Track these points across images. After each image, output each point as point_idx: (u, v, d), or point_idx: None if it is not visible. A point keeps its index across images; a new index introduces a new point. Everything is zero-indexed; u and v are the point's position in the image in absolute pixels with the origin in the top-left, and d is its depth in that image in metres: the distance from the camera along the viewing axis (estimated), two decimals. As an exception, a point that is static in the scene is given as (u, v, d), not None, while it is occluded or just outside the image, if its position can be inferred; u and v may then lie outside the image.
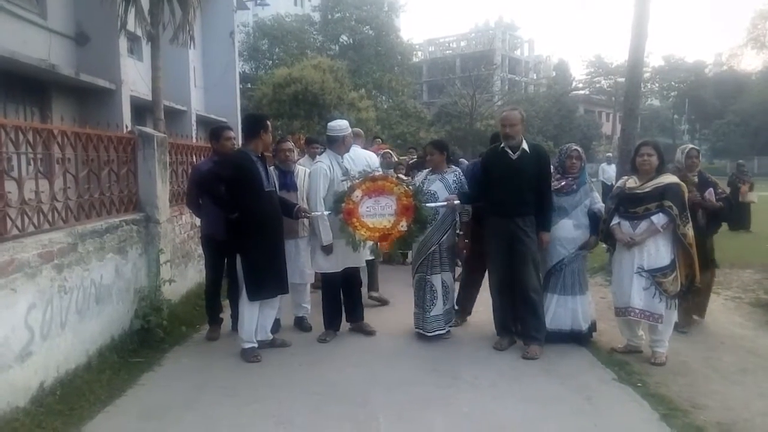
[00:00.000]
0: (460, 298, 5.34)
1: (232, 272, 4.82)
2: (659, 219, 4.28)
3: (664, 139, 43.47)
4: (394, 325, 5.29)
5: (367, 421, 3.43)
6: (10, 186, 3.53)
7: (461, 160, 7.58)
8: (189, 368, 4.31)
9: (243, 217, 4.32)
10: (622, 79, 25.58)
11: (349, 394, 3.81)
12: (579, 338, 4.73)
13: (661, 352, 4.38)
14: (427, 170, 5.16)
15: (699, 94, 45.68)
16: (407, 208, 4.59)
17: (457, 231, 5.12)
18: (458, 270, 5.47)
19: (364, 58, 33.32)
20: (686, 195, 4.41)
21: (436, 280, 4.88)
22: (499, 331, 4.88)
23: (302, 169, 5.30)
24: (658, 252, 4.32)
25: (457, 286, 5.22)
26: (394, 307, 5.90)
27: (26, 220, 3.65)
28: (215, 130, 5.06)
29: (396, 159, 8.37)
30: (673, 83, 47.69)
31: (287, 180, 5.00)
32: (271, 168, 4.78)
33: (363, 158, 5.03)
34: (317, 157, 7.00)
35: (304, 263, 5.13)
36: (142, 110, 13.04)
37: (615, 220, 4.50)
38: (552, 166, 4.88)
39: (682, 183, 4.47)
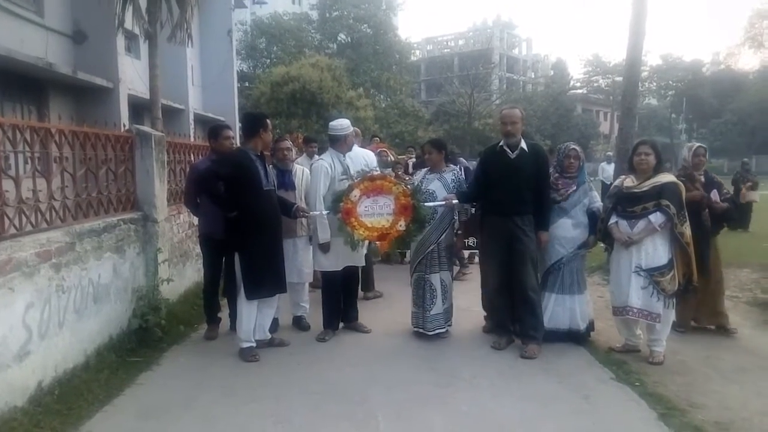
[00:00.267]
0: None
1: (230, 271, 4.82)
2: (657, 218, 4.28)
3: (662, 138, 43.51)
4: (393, 324, 5.29)
5: (365, 420, 3.44)
6: (7, 185, 3.52)
7: (460, 159, 7.57)
8: (187, 367, 4.31)
9: (242, 216, 4.32)
10: (620, 78, 25.62)
11: (348, 393, 3.82)
12: (577, 337, 4.73)
13: (659, 351, 4.38)
14: (426, 169, 5.16)
15: (696, 93, 45.75)
16: (405, 207, 4.59)
17: (456, 230, 5.12)
18: (456, 269, 5.47)
19: (362, 56, 33.28)
20: (684, 194, 4.41)
21: (435, 279, 4.88)
22: (494, 329, 4.89)
23: (300, 168, 5.30)
24: (656, 251, 4.33)
25: (458, 284, 5.22)
26: (391, 306, 5.90)
27: (24, 219, 3.64)
28: (214, 129, 5.06)
29: (393, 158, 8.37)
30: (670, 82, 47.72)
31: (285, 179, 5.00)
32: (270, 167, 4.78)
33: (361, 157, 5.03)
34: (316, 155, 7.03)
35: (302, 262, 5.13)
36: (139, 109, 13.01)
37: (613, 220, 4.51)
38: (551, 166, 4.89)
39: (680, 182, 4.47)
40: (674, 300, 4.38)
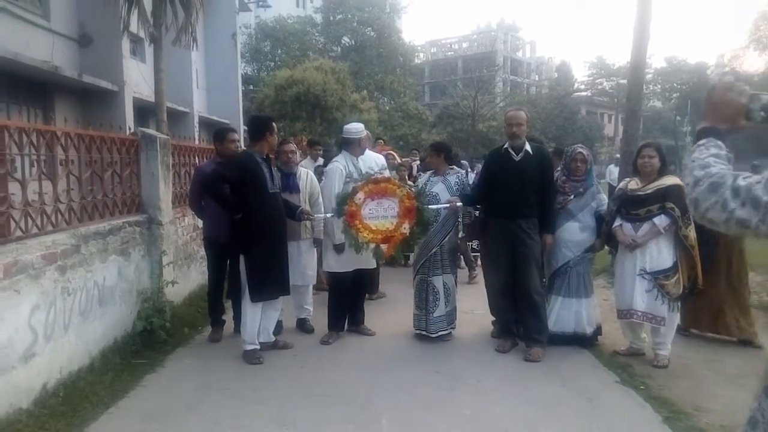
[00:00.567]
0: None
1: (235, 274, 4.83)
2: (661, 221, 4.27)
3: (667, 140, 43.34)
4: (396, 327, 5.29)
5: (369, 424, 3.43)
6: (13, 187, 3.53)
7: (462, 162, 7.58)
8: (191, 370, 4.32)
9: (247, 219, 4.33)
10: (624, 81, 25.57)
11: (352, 397, 3.82)
12: (583, 341, 4.72)
13: (664, 354, 4.37)
14: (430, 172, 5.17)
15: (701, 96, 44.99)
16: (410, 210, 4.59)
17: (460, 233, 5.12)
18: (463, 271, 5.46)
19: (366, 59, 33.32)
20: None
21: (438, 281, 4.88)
22: (500, 333, 4.88)
23: (304, 171, 5.31)
24: (660, 254, 4.32)
25: (462, 287, 5.22)
26: (395, 309, 5.90)
27: (30, 221, 3.65)
28: (219, 132, 5.08)
29: (398, 161, 8.37)
30: (675, 85, 47.55)
31: (289, 182, 5.01)
32: (274, 170, 4.79)
33: (372, 160, 5.09)
34: (320, 158, 7.06)
35: (306, 265, 5.14)
36: (144, 112, 13.06)
37: (617, 222, 4.50)
38: (558, 168, 4.89)
39: (684, 184, 4.45)
40: (679, 303, 4.36)
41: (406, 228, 4.59)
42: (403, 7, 37.91)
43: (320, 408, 3.63)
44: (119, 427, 3.38)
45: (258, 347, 4.50)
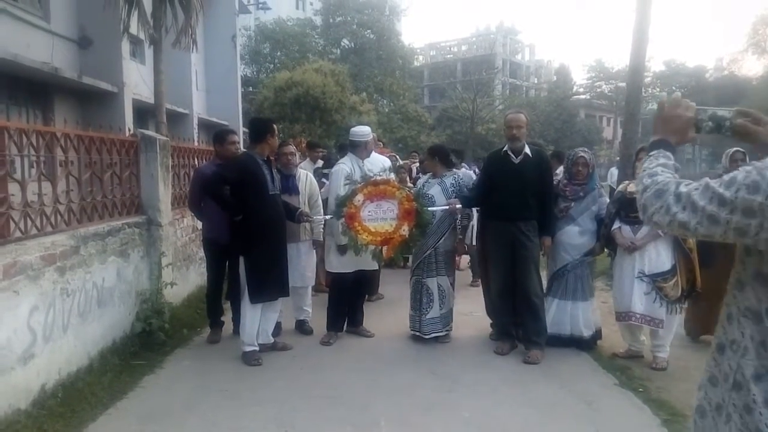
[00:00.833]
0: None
1: (234, 275, 4.84)
2: (660, 224, 4.27)
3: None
4: (395, 329, 5.29)
5: (368, 426, 3.44)
6: (13, 188, 3.53)
7: (463, 165, 7.59)
8: (190, 371, 4.32)
9: (247, 220, 4.33)
10: (623, 84, 25.61)
11: (351, 398, 3.82)
12: (580, 344, 4.72)
13: (663, 357, 4.37)
14: (429, 174, 5.19)
15: (700, 99, 44.97)
16: (409, 212, 4.60)
17: (458, 236, 5.12)
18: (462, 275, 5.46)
19: (366, 62, 33.39)
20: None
21: (432, 283, 4.89)
22: (498, 336, 4.89)
23: (304, 173, 5.32)
24: (659, 257, 4.32)
25: (461, 289, 5.22)
26: (394, 311, 5.90)
27: (29, 222, 3.65)
28: (219, 134, 5.09)
29: (399, 162, 8.39)
30: (674, 88, 47.61)
31: (289, 183, 5.01)
32: (274, 171, 4.80)
33: (380, 162, 5.12)
34: (320, 161, 7.06)
35: (306, 266, 5.14)
36: (143, 113, 13.06)
37: (616, 225, 4.51)
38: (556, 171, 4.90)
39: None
40: (678, 306, 4.37)
41: (405, 230, 4.59)
42: (402, 9, 38.05)
43: (319, 409, 3.63)
44: (118, 428, 3.38)
45: (257, 349, 4.50)
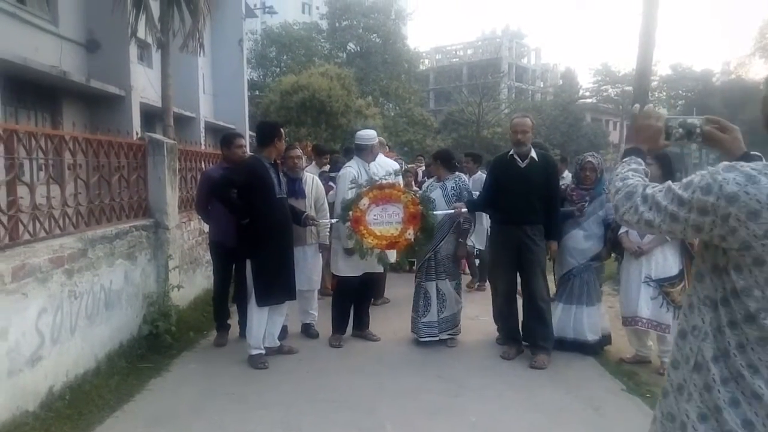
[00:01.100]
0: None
1: (240, 278, 4.85)
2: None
3: (672, 148, 43.28)
4: (401, 333, 5.28)
5: (374, 429, 3.43)
6: (22, 191, 3.56)
7: (479, 169, 7.58)
8: (197, 374, 4.33)
9: (255, 223, 4.35)
10: (630, 88, 25.56)
11: (357, 402, 3.81)
12: (583, 348, 4.70)
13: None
14: (434, 178, 5.21)
15: (707, 103, 45.42)
16: (414, 216, 4.61)
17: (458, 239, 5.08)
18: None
19: (372, 65, 33.46)
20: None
21: (431, 287, 4.90)
22: (504, 340, 4.87)
23: (310, 177, 5.34)
24: (666, 261, 4.31)
25: (467, 293, 5.20)
26: (400, 315, 5.89)
27: (38, 225, 3.68)
28: (226, 137, 5.11)
29: (405, 167, 8.39)
30: (680, 92, 47.52)
31: (295, 187, 5.02)
32: (281, 175, 4.82)
33: (388, 165, 5.16)
34: (326, 167, 7.07)
35: (312, 270, 5.15)
36: (151, 116, 13.13)
37: (623, 229, 4.49)
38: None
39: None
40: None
41: (410, 234, 4.60)
42: (408, 13, 38.14)
43: (325, 413, 3.63)
44: (124, 431, 3.39)
45: (263, 352, 4.51)
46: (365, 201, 4.62)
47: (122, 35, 10.53)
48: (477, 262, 7.31)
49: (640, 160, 1.51)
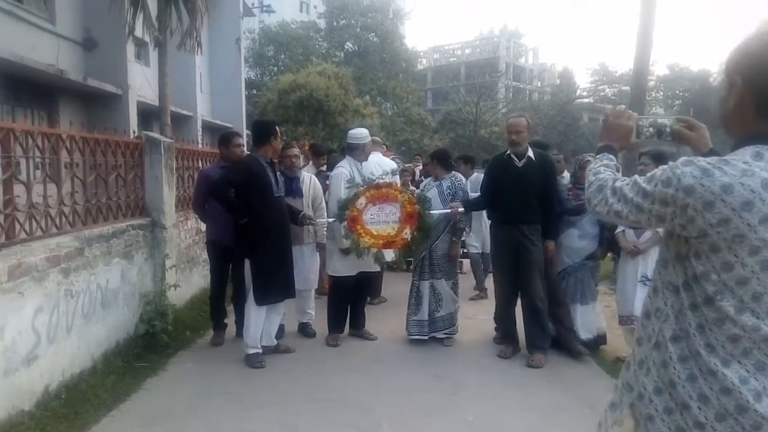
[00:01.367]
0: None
1: (238, 278, 4.85)
2: (664, 227, 4.28)
3: (669, 147, 43.34)
4: (398, 332, 5.28)
5: (371, 428, 3.44)
6: (18, 190, 3.55)
7: (473, 170, 7.58)
8: (193, 373, 4.33)
9: (253, 222, 4.34)
10: (627, 88, 25.60)
11: (354, 401, 3.82)
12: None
13: (666, 361, 4.36)
14: (431, 177, 5.22)
15: (704, 103, 45.51)
16: (411, 215, 4.61)
17: (454, 238, 5.08)
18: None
19: (369, 64, 33.45)
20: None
21: (424, 286, 4.92)
22: (502, 339, 4.88)
23: (308, 176, 5.34)
24: (663, 261, 4.31)
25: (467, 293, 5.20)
26: (397, 314, 5.89)
27: (34, 224, 3.67)
28: (225, 136, 5.10)
29: (402, 166, 8.38)
30: (677, 92, 47.60)
31: (293, 186, 5.02)
32: (278, 174, 4.81)
33: (386, 165, 5.16)
34: (324, 167, 7.06)
35: (309, 269, 5.15)
36: (148, 115, 13.11)
37: (619, 228, 4.51)
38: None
39: None
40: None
41: (407, 233, 4.61)
42: (406, 13, 38.09)
43: (322, 412, 3.64)
44: (120, 430, 3.39)
45: (260, 351, 4.51)
46: (362, 200, 4.62)
47: (119, 34, 10.51)
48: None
49: (612, 156, 1.61)
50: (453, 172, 5.15)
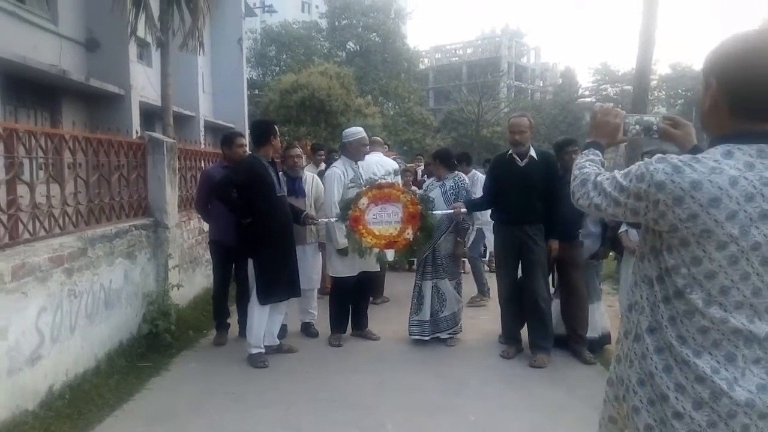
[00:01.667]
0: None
1: (241, 277, 4.85)
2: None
3: (671, 147, 43.27)
4: (401, 332, 5.27)
5: (374, 428, 3.43)
6: (21, 190, 3.56)
7: (471, 168, 7.57)
8: (196, 373, 4.33)
9: (256, 222, 4.35)
10: (629, 87, 25.58)
11: (356, 401, 3.82)
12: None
13: (669, 361, 4.34)
14: (434, 177, 5.22)
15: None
16: (413, 215, 4.61)
17: (458, 238, 5.07)
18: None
19: (371, 64, 33.47)
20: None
21: (426, 286, 4.92)
22: (505, 339, 4.87)
23: (310, 176, 5.34)
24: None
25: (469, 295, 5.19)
26: (400, 314, 5.88)
27: (37, 224, 3.68)
28: (227, 136, 5.11)
29: (404, 166, 8.38)
30: (680, 91, 47.47)
31: (295, 186, 5.02)
32: (280, 173, 4.82)
33: (388, 165, 5.15)
34: (323, 164, 7.08)
35: (312, 269, 5.15)
36: (150, 115, 13.13)
37: (622, 228, 4.49)
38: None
39: None
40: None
41: (409, 233, 4.60)
42: (408, 12, 38.13)
43: (325, 412, 3.63)
44: (124, 430, 3.39)
45: (263, 351, 4.51)
46: (364, 200, 4.62)
47: (122, 34, 10.52)
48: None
49: (598, 152, 1.67)
50: (456, 172, 5.14)
